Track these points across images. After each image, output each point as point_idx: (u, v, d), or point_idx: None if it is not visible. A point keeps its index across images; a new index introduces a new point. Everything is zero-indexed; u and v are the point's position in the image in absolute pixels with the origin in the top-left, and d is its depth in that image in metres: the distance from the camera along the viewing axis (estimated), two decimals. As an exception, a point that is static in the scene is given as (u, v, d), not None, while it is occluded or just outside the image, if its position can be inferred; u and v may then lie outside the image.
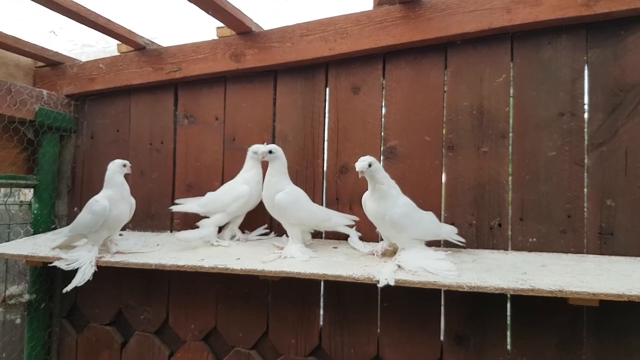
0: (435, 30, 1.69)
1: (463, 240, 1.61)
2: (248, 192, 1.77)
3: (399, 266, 1.40)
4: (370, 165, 1.42)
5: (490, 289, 1.24)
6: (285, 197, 1.60)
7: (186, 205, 1.90)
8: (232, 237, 1.85)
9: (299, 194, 1.67)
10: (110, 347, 2.10)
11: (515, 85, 1.68)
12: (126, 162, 1.75)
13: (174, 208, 1.91)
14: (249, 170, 1.84)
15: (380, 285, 1.31)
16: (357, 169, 1.42)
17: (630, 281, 1.24)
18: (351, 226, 1.74)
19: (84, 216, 1.69)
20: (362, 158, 1.43)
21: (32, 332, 2.08)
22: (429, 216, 1.55)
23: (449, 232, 1.58)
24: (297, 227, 1.64)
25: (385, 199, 1.45)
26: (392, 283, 1.30)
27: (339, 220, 1.72)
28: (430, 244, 1.58)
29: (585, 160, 1.60)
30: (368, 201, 1.51)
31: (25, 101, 2.02)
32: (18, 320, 2.12)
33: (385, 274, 1.34)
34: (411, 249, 1.44)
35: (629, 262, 1.47)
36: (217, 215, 1.81)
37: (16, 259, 1.90)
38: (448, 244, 1.65)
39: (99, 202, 1.66)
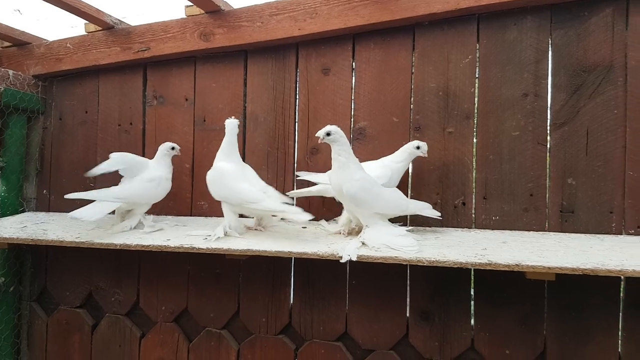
0: (402, 10, 1.69)
1: (438, 213, 1.59)
2: None
3: (363, 243, 1.41)
4: (328, 134, 1.43)
5: (449, 263, 1.26)
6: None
7: None
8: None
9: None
10: (81, 330, 2.08)
11: (480, 66, 1.69)
12: (175, 145, 1.82)
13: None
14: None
15: (342, 260, 1.33)
16: (317, 136, 1.46)
17: (586, 256, 1.27)
18: None
19: (145, 186, 1.72)
20: (326, 127, 1.45)
21: (1, 316, 2.05)
22: (392, 191, 1.54)
23: (420, 208, 1.58)
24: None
25: (342, 170, 1.44)
26: (354, 258, 1.32)
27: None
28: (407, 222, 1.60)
29: (548, 140, 1.62)
30: (331, 175, 1.51)
31: (-11, 81, 1.97)
32: (-15, 303, 2.09)
33: (348, 250, 1.35)
34: (374, 225, 1.45)
35: (588, 239, 1.50)
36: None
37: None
38: (423, 222, 1.68)
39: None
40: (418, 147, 1.62)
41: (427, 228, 1.68)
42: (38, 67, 2.17)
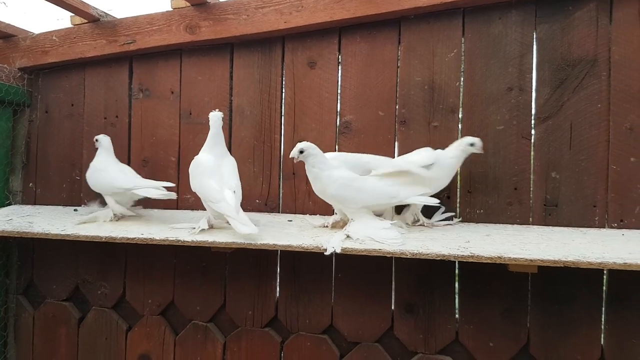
0: (388, 3, 1.66)
1: (437, 200, 1.48)
2: None
3: (347, 236, 1.39)
4: (301, 152, 1.44)
5: (432, 255, 1.24)
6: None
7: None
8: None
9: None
10: (68, 323, 2.04)
11: (466, 60, 1.67)
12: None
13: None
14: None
15: (327, 253, 1.31)
16: (290, 156, 1.45)
17: (568, 249, 1.26)
18: None
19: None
20: (298, 144, 1.44)
21: (-14, 308, 2.02)
22: (376, 182, 1.48)
23: (407, 197, 1.47)
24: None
25: (319, 180, 1.46)
26: (338, 250, 1.30)
27: None
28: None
29: (532, 134, 1.60)
30: (312, 184, 1.51)
31: (-26, 73, 1.92)
32: (-29, 297, 2.05)
33: (332, 242, 1.33)
34: (360, 219, 1.43)
35: (571, 232, 1.49)
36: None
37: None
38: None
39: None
40: (472, 145, 1.51)
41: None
42: (24, 60, 2.11)
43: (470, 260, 1.22)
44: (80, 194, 2.06)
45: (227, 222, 1.49)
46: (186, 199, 1.93)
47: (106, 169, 1.77)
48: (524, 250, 1.24)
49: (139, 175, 1.78)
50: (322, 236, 1.43)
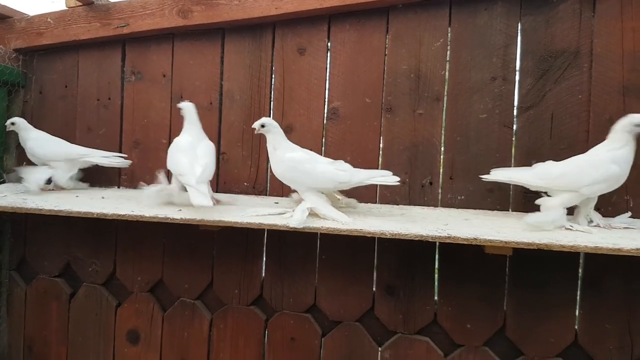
0: (377, -9, 1.63)
1: (395, 179, 1.41)
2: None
3: (310, 212, 1.37)
4: (263, 126, 1.45)
5: (411, 235, 1.22)
6: None
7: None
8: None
9: None
10: (59, 299, 2.03)
11: (451, 50, 1.64)
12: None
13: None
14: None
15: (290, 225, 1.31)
16: (253, 126, 1.47)
17: (543, 233, 1.24)
18: None
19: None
20: (260, 120, 1.46)
21: (-20, 283, 2.00)
22: (327, 166, 1.44)
23: (367, 177, 1.43)
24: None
25: (272, 156, 1.48)
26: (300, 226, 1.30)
27: None
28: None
29: (514, 123, 1.59)
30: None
31: (-32, 52, 1.88)
32: (-36, 271, 2.03)
33: (296, 220, 1.31)
34: (309, 199, 1.42)
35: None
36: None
37: None
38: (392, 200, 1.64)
39: None
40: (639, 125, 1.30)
41: (395, 205, 1.65)
42: (19, 41, 2.07)
43: (447, 241, 1.20)
44: (73, 173, 2.03)
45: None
46: (176, 181, 1.90)
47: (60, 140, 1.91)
48: (499, 233, 1.22)
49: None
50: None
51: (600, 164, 1.31)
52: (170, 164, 1.54)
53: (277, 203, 1.67)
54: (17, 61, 2.09)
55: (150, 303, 1.91)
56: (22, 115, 2.11)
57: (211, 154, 1.58)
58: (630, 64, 1.49)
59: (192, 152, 1.52)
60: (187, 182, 1.42)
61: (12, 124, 1.90)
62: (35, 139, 1.87)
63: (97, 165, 1.87)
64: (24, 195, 1.75)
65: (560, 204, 1.33)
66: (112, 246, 1.97)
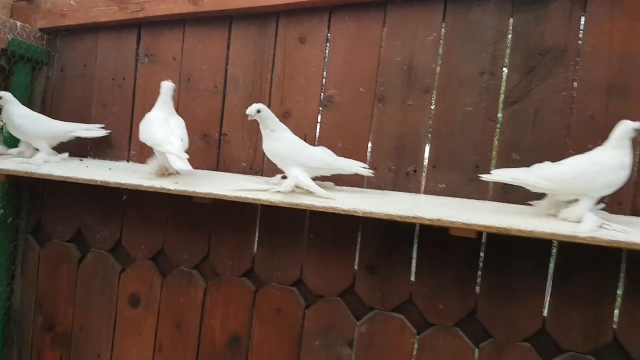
0: (377, -14, 1.71)
1: (371, 172, 1.60)
2: None
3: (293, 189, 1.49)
4: (259, 111, 1.56)
5: (381, 214, 1.31)
6: None
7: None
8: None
9: None
10: (69, 262, 2.19)
11: (444, 44, 1.71)
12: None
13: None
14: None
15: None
16: (247, 113, 1.57)
17: (508, 218, 1.30)
18: None
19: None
20: (253, 105, 1.57)
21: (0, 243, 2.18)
22: (316, 150, 1.61)
23: (349, 165, 1.59)
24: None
25: (265, 138, 1.59)
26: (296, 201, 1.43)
27: None
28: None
29: (499, 117, 1.65)
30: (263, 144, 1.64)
31: (-3, 30, 2.04)
32: (-14, 231, 2.21)
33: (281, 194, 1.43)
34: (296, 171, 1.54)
35: (521, 207, 1.54)
36: None
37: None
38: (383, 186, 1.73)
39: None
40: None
41: (379, 190, 1.73)
42: (44, 21, 2.22)
43: (413, 221, 1.29)
44: (87, 147, 2.18)
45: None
46: (180, 157, 2.03)
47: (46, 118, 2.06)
48: (465, 216, 1.30)
49: None
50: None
51: (611, 170, 1.36)
52: (145, 137, 1.68)
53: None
54: (42, 40, 2.24)
55: (151, 270, 2.05)
56: (44, 91, 2.27)
57: (184, 127, 1.75)
58: (617, 64, 1.52)
59: (166, 125, 1.67)
60: (168, 150, 1.54)
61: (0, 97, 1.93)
62: (24, 117, 1.95)
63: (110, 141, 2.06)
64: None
65: (588, 209, 1.36)
66: (119, 216, 2.11)
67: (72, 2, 2.16)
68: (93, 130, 2.06)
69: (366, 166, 1.61)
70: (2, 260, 2.18)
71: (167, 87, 1.79)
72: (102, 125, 2.11)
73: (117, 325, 2.12)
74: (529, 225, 1.23)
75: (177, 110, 2.02)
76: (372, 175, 1.62)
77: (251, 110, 1.55)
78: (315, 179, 1.57)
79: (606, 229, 1.28)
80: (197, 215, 1.98)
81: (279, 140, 1.56)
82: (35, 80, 2.27)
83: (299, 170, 1.52)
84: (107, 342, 2.13)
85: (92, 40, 2.20)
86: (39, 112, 2.24)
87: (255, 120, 1.72)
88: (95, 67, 2.19)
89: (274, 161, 1.62)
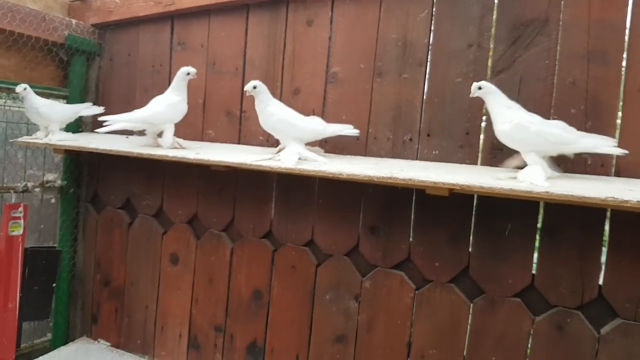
0: (373, -29, 1.88)
1: (356, 132, 1.83)
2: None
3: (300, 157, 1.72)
4: (255, 87, 1.77)
5: (362, 177, 1.51)
6: None
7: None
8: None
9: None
10: (121, 226, 2.58)
11: (434, 20, 1.85)
12: (190, 69, 2.03)
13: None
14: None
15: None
16: (245, 90, 1.79)
17: (482, 179, 1.43)
18: None
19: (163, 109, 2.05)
20: (250, 82, 1.78)
21: (64, 210, 2.61)
22: (309, 120, 1.82)
23: (338, 130, 1.81)
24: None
25: (262, 113, 1.81)
26: (291, 165, 1.65)
27: None
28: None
29: (486, 86, 1.78)
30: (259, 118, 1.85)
31: (57, 28, 2.41)
32: (53, 200, 2.64)
33: (291, 162, 1.66)
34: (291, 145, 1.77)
35: (501, 169, 1.66)
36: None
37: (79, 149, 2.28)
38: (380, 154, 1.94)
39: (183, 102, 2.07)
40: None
41: (379, 158, 1.92)
42: (95, 18, 2.59)
43: (389, 182, 1.48)
44: (133, 125, 2.55)
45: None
46: (208, 134, 2.33)
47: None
48: (438, 177, 1.46)
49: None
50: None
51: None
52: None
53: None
54: (94, 34, 2.61)
55: (187, 232, 2.39)
56: (97, 79, 2.66)
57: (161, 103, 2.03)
58: (596, 32, 1.61)
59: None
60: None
61: (24, 89, 2.15)
62: (45, 105, 2.24)
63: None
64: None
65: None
66: (161, 185, 2.46)
67: (117, 0, 2.50)
68: (91, 109, 2.42)
69: (351, 127, 1.83)
70: (66, 226, 2.62)
71: (180, 72, 2.04)
72: (91, 104, 2.49)
73: (160, 281, 2.49)
74: (499, 183, 1.37)
75: (204, 91, 2.32)
76: (357, 135, 1.84)
77: (248, 87, 1.79)
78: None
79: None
80: (223, 185, 2.27)
81: (274, 116, 1.79)
82: (89, 70, 2.66)
83: (298, 144, 1.76)
84: (152, 295, 2.51)
85: (134, 33, 2.55)
86: (94, 98, 2.64)
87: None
88: (137, 56, 2.54)
89: (273, 134, 1.87)
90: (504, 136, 1.52)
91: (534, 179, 1.37)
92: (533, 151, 1.48)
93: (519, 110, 1.53)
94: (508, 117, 1.50)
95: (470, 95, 1.58)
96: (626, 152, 1.45)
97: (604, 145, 1.45)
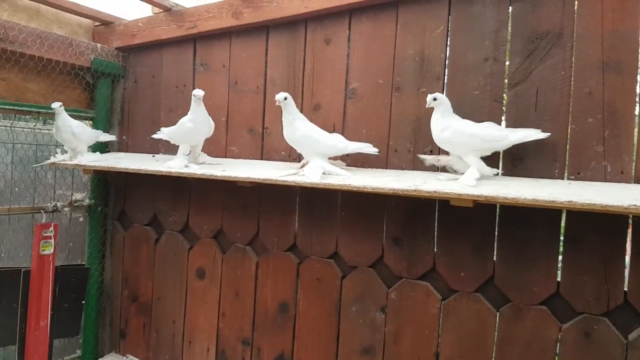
0: (390, -10, 1.97)
1: (376, 150, 1.87)
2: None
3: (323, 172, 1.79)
4: (285, 99, 1.86)
5: (386, 190, 1.57)
6: None
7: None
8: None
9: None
10: (148, 242, 2.67)
11: (450, 35, 1.92)
12: (196, 92, 2.13)
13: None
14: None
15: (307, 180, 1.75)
16: (275, 99, 1.87)
17: (503, 189, 1.48)
18: None
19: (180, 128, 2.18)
20: (280, 93, 1.86)
21: (92, 228, 2.71)
22: (331, 136, 1.90)
23: (359, 147, 1.87)
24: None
25: (288, 126, 1.89)
26: (317, 180, 1.71)
27: None
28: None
29: (504, 98, 1.84)
30: (284, 130, 1.93)
31: (83, 52, 2.54)
32: (81, 219, 2.74)
33: (315, 177, 1.73)
34: (314, 160, 1.84)
35: (522, 180, 1.71)
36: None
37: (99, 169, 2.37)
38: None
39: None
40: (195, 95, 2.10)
41: (400, 170, 1.98)
42: (119, 41, 2.71)
43: (414, 194, 1.53)
44: (158, 145, 2.64)
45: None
46: (232, 150, 2.41)
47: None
48: (462, 189, 1.52)
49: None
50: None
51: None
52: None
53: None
54: (118, 57, 2.73)
55: (213, 247, 2.47)
56: (122, 100, 2.77)
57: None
58: (609, 42, 1.66)
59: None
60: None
61: (60, 105, 2.28)
62: (79, 126, 2.36)
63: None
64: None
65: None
66: (187, 202, 2.55)
67: (139, 23, 2.62)
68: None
69: (370, 146, 1.89)
70: (94, 244, 2.72)
71: (196, 94, 2.12)
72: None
73: (187, 295, 2.57)
74: (523, 194, 1.41)
75: (227, 109, 2.41)
76: (377, 154, 1.89)
77: (279, 96, 1.87)
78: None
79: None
80: (248, 200, 2.35)
81: (299, 131, 1.87)
82: (114, 92, 2.78)
83: (321, 159, 1.83)
84: (180, 310, 2.59)
85: (158, 55, 2.66)
86: (120, 118, 2.75)
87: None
88: (161, 77, 2.65)
89: (296, 148, 1.94)
90: (445, 142, 1.70)
91: (467, 180, 1.55)
92: (471, 152, 1.65)
93: (456, 118, 1.72)
94: (445, 125, 1.68)
95: (427, 106, 1.72)
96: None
97: (533, 134, 1.64)
